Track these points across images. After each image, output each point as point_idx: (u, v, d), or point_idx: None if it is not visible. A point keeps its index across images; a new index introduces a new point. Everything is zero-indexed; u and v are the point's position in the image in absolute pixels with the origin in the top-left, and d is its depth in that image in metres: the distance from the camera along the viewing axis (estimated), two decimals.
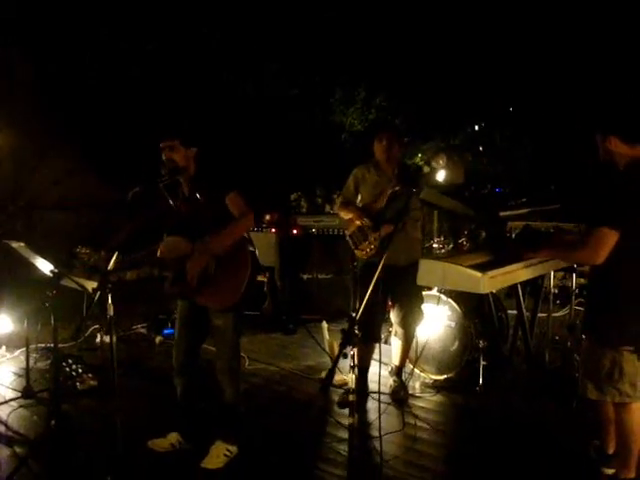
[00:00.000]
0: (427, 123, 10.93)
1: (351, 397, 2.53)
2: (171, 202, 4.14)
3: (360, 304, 4.94)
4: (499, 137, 12.81)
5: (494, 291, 5.75)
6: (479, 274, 3.53)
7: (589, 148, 3.66)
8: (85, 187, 8.30)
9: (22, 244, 4.74)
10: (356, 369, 2.55)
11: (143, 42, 9.57)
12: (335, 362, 2.51)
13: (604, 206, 3.48)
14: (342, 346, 2.53)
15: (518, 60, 11.65)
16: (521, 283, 5.41)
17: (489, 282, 3.57)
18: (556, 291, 7.83)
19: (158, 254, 4.08)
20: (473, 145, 12.07)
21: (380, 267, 2.84)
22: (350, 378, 2.54)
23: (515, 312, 5.47)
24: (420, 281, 3.84)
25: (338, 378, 5.42)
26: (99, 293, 3.56)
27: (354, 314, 2.63)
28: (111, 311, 3.61)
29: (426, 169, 3.27)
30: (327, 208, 10.08)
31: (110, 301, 3.59)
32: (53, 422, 4.18)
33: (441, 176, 4.75)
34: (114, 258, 3.64)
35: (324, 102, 10.66)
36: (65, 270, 4.38)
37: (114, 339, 6.34)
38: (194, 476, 3.97)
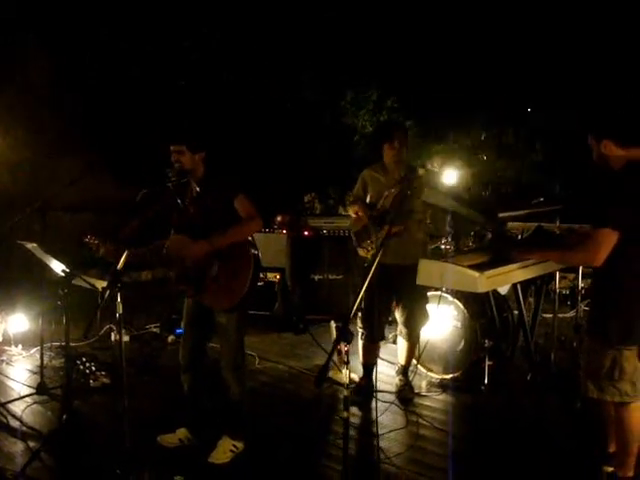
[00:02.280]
0: (439, 125, 11.00)
1: (346, 392, 2.60)
2: (179, 202, 4.25)
3: (360, 303, 5.08)
4: (512, 138, 12.80)
5: (504, 292, 5.83)
6: (476, 274, 3.60)
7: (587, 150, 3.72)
8: (100, 188, 8.43)
9: (35, 245, 4.86)
10: (349, 365, 2.62)
11: (162, 43, 9.70)
12: (328, 358, 2.59)
13: (603, 207, 3.53)
14: (335, 343, 2.61)
15: (528, 59, 11.67)
16: (526, 284, 5.48)
17: (486, 282, 3.63)
18: (567, 292, 7.89)
19: (164, 251, 4.19)
20: (485, 146, 12.07)
21: (374, 267, 2.91)
22: (344, 374, 2.62)
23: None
24: (419, 280, 3.90)
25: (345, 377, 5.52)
26: (109, 292, 3.67)
27: (351, 312, 2.69)
28: (120, 309, 3.71)
29: (421, 171, 3.33)
30: (340, 209, 10.14)
31: (119, 300, 3.69)
32: (65, 417, 4.29)
33: (443, 178, 4.82)
34: (123, 257, 3.74)
35: (335, 104, 10.74)
36: (77, 270, 4.49)
37: (123, 337, 6.53)
38: (201, 471, 4.07)
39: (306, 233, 7.82)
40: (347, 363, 2.63)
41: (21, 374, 5.83)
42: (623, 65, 10.92)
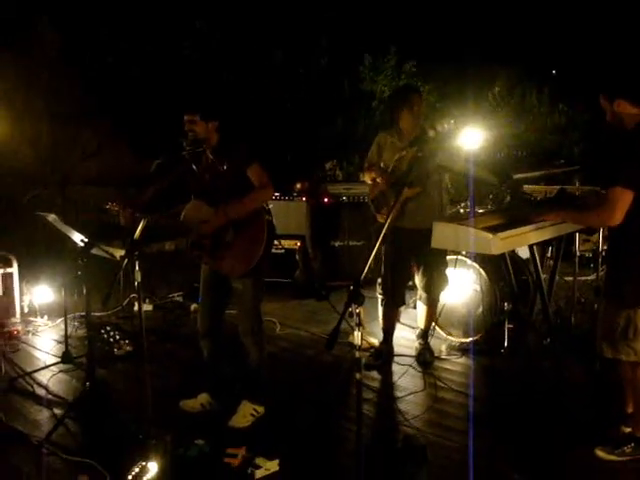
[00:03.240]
0: (458, 88, 10.88)
1: (357, 354, 2.62)
2: (195, 168, 4.28)
3: (378, 266, 5.08)
4: (535, 99, 12.60)
5: (525, 255, 5.80)
6: (490, 235, 3.59)
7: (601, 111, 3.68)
8: (120, 162, 8.50)
9: (55, 216, 4.92)
10: (361, 327, 2.64)
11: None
12: (340, 320, 2.61)
13: (617, 167, 3.50)
14: (346, 305, 2.63)
15: (550, 18, 11.47)
16: (544, 246, 5.45)
17: (500, 243, 3.62)
18: (590, 255, 7.82)
19: (181, 217, 4.23)
20: (507, 108, 11.91)
21: (385, 227, 2.91)
22: (355, 336, 2.64)
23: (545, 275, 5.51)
24: (434, 244, 3.90)
25: (365, 342, 5.57)
26: (126, 260, 3.72)
27: (362, 274, 2.71)
28: (139, 277, 3.76)
29: (431, 133, 3.30)
30: (360, 176, 10.11)
31: (137, 268, 3.74)
32: (87, 384, 4.38)
33: (457, 140, 4.77)
34: (141, 226, 3.78)
35: (354, 70, 10.66)
36: (96, 240, 4.55)
37: (147, 306, 6.61)
38: (222, 434, 4.13)
39: (326, 200, 7.82)
40: (359, 325, 2.65)
41: (47, 344, 5.94)
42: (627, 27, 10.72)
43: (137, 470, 3.45)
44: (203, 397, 4.51)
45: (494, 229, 3.71)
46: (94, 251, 4.57)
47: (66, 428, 4.16)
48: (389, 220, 3.02)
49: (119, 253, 4.69)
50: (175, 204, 4.33)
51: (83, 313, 6.32)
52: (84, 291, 4.24)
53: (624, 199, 3.44)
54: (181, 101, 4.32)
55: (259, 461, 3.70)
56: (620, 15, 11.01)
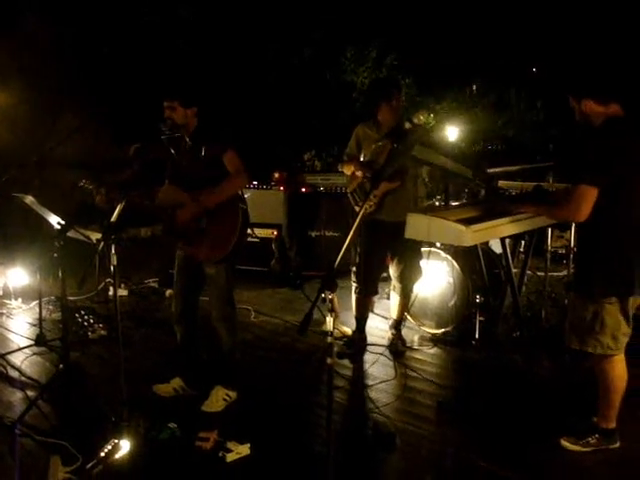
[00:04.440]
0: (439, 82, 10.95)
1: (329, 340, 2.67)
2: (173, 153, 4.31)
3: (361, 260, 5.14)
4: (514, 97, 12.72)
5: (499, 250, 5.88)
6: (463, 227, 3.65)
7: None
8: (99, 146, 8.47)
9: (32, 198, 4.92)
10: (333, 313, 2.69)
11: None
12: (312, 306, 2.66)
13: (583, 164, 3.59)
14: (319, 291, 2.67)
15: (530, 17, 11.58)
16: (516, 241, 5.54)
17: (472, 235, 3.68)
18: (563, 251, 7.93)
19: (156, 200, 4.26)
20: (485, 104, 12.00)
21: (359, 218, 2.97)
22: (328, 322, 2.69)
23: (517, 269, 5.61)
24: (407, 234, 3.96)
25: (338, 330, 5.63)
26: (102, 243, 3.74)
27: (336, 261, 2.76)
28: (115, 261, 3.77)
29: (407, 125, 3.34)
30: (339, 167, 10.12)
31: (114, 251, 3.75)
32: (61, 366, 4.39)
33: (436, 133, 4.84)
34: (118, 209, 3.79)
35: (335, 61, 10.68)
36: (73, 223, 4.55)
37: (122, 291, 6.61)
38: (195, 419, 4.17)
39: (303, 190, 7.86)
40: (332, 311, 2.69)
41: (21, 327, 5.94)
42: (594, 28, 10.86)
43: (109, 447, 3.48)
44: (176, 381, 4.54)
45: (467, 221, 3.77)
46: (70, 234, 4.58)
47: (39, 410, 4.17)
48: (362, 211, 3.08)
49: (96, 236, 4.70)
50: (151, 187, 4.35)
51: (58, 296, 6.34)
52: (59, 274, 4.24)
53: (589, 196, 3.52)
54: (161, 87, 4.34)
55: (230, 445, 3.75)
56: (584, 16, 11.14)
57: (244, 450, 3.75)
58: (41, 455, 3.69)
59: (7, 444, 3.81)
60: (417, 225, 3.87)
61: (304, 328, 2.65)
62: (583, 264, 3.84)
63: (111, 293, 6.64)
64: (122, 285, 6.95)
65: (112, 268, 3.80)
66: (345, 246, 2.78)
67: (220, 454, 3.70)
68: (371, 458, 3.83)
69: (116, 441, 3.52)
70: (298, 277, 7.41)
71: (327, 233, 7.79)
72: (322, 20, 10.26)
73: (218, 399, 4.34)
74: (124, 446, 3.53)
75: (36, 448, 3.79)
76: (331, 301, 2.66)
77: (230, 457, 3.68)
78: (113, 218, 3.76)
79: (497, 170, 5.49)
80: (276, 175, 7.91)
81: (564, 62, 10.13)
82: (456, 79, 11.37)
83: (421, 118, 3.35)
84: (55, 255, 4.25)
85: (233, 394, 4.41)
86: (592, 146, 3.58)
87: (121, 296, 6.54)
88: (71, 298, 6.22)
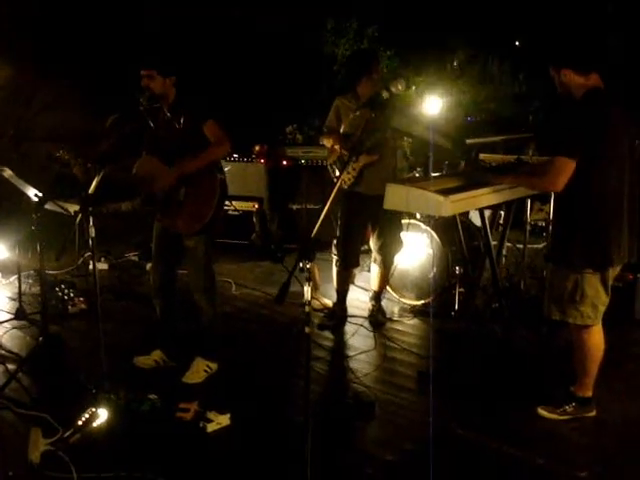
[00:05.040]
0: (420, 55, 10.89)
1: (307, 309, 2.69)
2: (151, 124, 4.27)
3: (342, 232, 5.15)
4: (496, 69, 12.68)
5: (479, 222, 5.92)
6: (441, 197, 3.67)
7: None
8: (77, 119, 8.37)
9: (10, 172, 4.87)
10: (311, 282, 2.70)
11: None
12: (290, 275, 2.67)
13: (561, 135, 3.61)
14: (297, 260, 2.68)
15: None
16: (494, 213, 5.56)
17: (451, 206, 3.70)
18: (543, 224, 7.98)
19: (133, 170, 4.23)
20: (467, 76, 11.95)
21: (335, 189, 2.98)
22: (305, 291, 2.71)
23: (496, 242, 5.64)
24: (386, 205, 3.97)
25: (319, 303, 5.66)
26: (80, 215, 3.72)
27: (313, 231, 2.77)
28: (93, 233, 3.75)
29: (385, 94, 3.32)
30: (320, 140, 10.07)
31: (92, 223, 3.74)
32: (41, 338, 4.39)
33: (417, 104, 4.82)
34: (95, 181, 3.77)
35: (316, 33, 10.59)
36: (50, 195, 4.51)
37: (103, 265, 6.58)
38: (175, 390, 4.19)
39: (284, 163, 7.83)
40: (309, 280, 2.70)
41: (0, 301, 5.91)
42: None
43: (87, 416, 3.49)
44: (156, 354, 4.56)
45: (446, 192, 3.79)
46: (48, 206, 4.55)
47: (19, 383, 4.16)
48: (338, 183, 3.09)
49: (74, 208, 4.66)
50: (129, 158, 4.32)
51: (37, 270, 6.31)
52: (38, 247, 4.21)
53: (567, 167, 3.54)
54: (139, 56, 4.28)
55: (211, 415, 3.78)
56: None
57: (224, 420, 3.78)
58: (21, 427, 3.70)
59: None
60: (396, 196, 3.88)
61: (281, 297, 2.67)
62: (561, 235, 3.87)
63: (91, 267, 6.60)
64: (102, 259, 6.93)
65: (90, 240, 3.78)
66: (322, 216, 2.79)
67: (201, 424, 3.73)
68: (351, 427, 3.87)
69: (93, 410, 3.53)
70: (279, 250, 7.41)
71: (308, 206, 7.76)
72: None
73: (199, 370, 4.36)
74: (102, 415, 3.55)
75: (16, 420, 3.81)
76: (309, 270, 2.67)
77: (211, 427, 3.72)
78: (91, 190, 3.74)
79: (475, 141, 5.49)
80: (257, 148, 7.87)
81: (545, 32, 10.11)
82: (438, 51, 11.31)
83: (399, 87, 3.34)
84: (33, 228, 4.23)
85: (214, 366, 4.43)
86: (571, 118, 3.60)
87: (101, 270, 6.51)
88: (51, 272, 6.19)
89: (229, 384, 4.36)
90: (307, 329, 2.72)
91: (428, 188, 3.80)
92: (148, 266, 6.85)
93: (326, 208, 2.82)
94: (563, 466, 3.48)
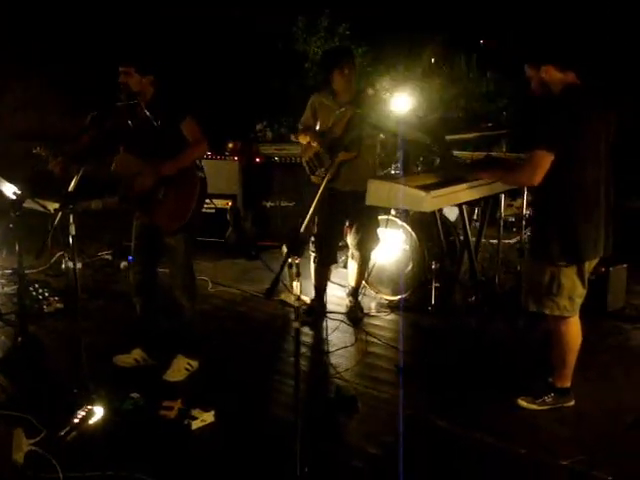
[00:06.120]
0: (391, 52, 10.95)
1: (296, 303, 2.70)
2: (130, 122, 4.25)
3: (319, 229, 5.17)
4: (464, 66, 12.80)
5: (453, 218, 5.99)
6: (423, 193, 3.72)
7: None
8: (52, 117, 8.28)
9: None
10: (300, 278, 2.72)
11: None
12: (279, 271, 2.69)
13: (539, 130, 3.67)
14: (287, 256, 2.70)
15: None
16: (471, 208, 5.62)
17: (432, 201, 3.75)
18: (513, 220, 8.08)
19: (112, 168, 4.21)
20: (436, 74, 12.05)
21: (321, 189, 2.99)
22: (295, 286, 2.72)
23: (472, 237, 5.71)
24: (368, 201, 4.01)
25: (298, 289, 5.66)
26: (60, 213, 3.69)
27: (301, 226, 2.78)
28: (73, 231, 3.73)
29: (370, 92, 3.35)
30: (292, 138, 10.08)
31: (72, 221, 3.71)
32: (19, 339, 4.34)
33: (392, 103, 4.85)
34: (75, 179, 3.75)
35: (287, 31, 10.59)
36: (28, 193, 4.46)
37: (77, 262, 6.51)
38: (157, 388, 4.18)
39: (257, 160, 7.83)
40: (298, 275, 2.72)
41: None
42: None
43: (83, 414, 3.48)
44: (137, 352, 4.53)
45: (427, 187, 3.83)
46: (27, 204, 4.49)
47: None
48: (324, 182, 3.10)
49: (53, 206, 4.62)
50: (106, 156, 4.29)
51: (10, 270, 6.23)
52: (17, 246, 4.17)
53: (544, 161, 3.60)
54: (117, 53, 4.26)
55: (195, 412, 3.78)
56: None
57: (209, 417, 3.78)
58: (2, 429, 3.66)
59: None
60: (378, 192, 3.92)
61: (271, 291, 2.68)
62: (539, 229, 3.94)
63: (64, 266, 6.54)
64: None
65: (70, 238, 3.76)
66: (310, 213, 2.80)
67: (185, 422, 3.72)
68: (333, 421, 3.90)
69: (89, 407, 3.52)
70: (253, 247, 7.41)
71: (282, 203, 7.78)
72: None
73: (180, 368, 4.35)
74: (97, 412, 3.54)
75: None
76: (297, 266, 2.69)
77: (195, 424, 3.71)
78: (71, 188, 3.72)
79: (458, 137, 5.55)
80: (230, 145, 7.85)
81: (523, 30, 10.23)
82: (408, 49, 11.38)
83: (384, 84, 3.38)
84: (11, 226, 4.18)
85: (195, 363, 4.42)
86: (550, 113, 3.65)
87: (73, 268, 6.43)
88: (25, 272, 6.10)
89: (210, 382, 4.35)
90: (296, 324, 2.74)
91: (409, 184, 3.85)
92: (122, 265, 6.83)
93: (313, 205, 2.84)
94: (545, 455, 3.54)
